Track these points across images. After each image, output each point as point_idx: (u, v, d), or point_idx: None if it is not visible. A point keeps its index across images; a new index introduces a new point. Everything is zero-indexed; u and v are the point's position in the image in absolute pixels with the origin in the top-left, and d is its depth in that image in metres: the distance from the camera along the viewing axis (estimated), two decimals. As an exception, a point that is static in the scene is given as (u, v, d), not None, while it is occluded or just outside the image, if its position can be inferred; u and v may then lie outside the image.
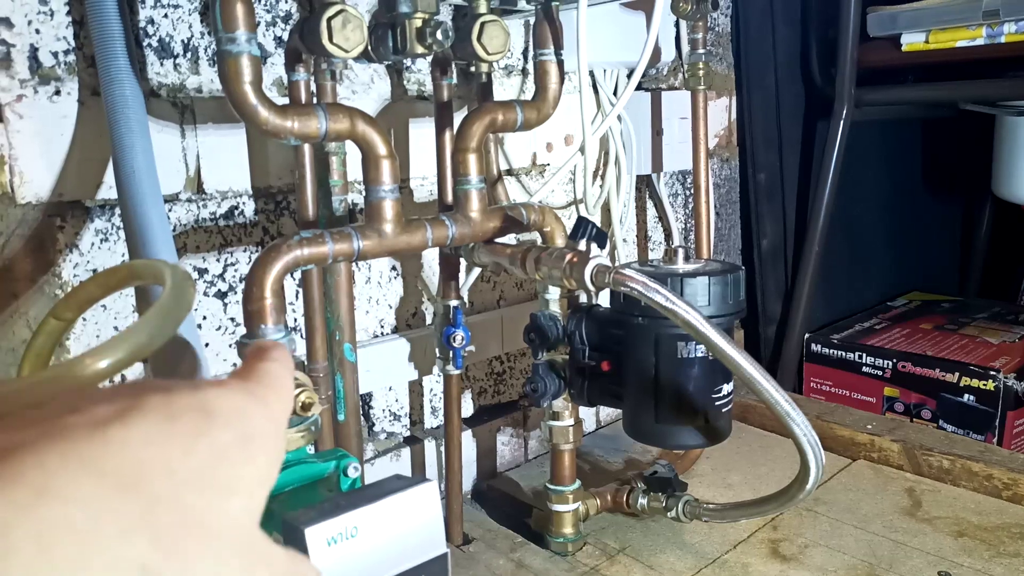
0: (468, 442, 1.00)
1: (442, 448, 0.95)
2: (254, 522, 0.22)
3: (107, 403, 0.20)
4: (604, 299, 0.75)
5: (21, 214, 0.65)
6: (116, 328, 0.71)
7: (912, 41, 1.20)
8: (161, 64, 0.71)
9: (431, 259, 0.94)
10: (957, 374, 1.26)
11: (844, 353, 1.39)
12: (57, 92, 0.66)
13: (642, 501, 0.85)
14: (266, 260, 0.59)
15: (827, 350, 1.41)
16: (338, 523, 0.47)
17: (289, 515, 0.46)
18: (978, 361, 1.27)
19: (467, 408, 1.02)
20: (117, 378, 0.63)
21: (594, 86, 1.06)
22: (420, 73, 0.90)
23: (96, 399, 0.20)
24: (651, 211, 1.22)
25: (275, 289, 0.58)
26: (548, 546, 0.85)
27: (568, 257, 0.65)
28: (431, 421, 0.98)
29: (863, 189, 1.55)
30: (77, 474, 0.18)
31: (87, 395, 0.21)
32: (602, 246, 0.65)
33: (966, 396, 1.26)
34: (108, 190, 0.69)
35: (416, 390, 0.96)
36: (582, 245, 0.65)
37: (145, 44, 0.70)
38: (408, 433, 0.96)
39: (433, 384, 0.98)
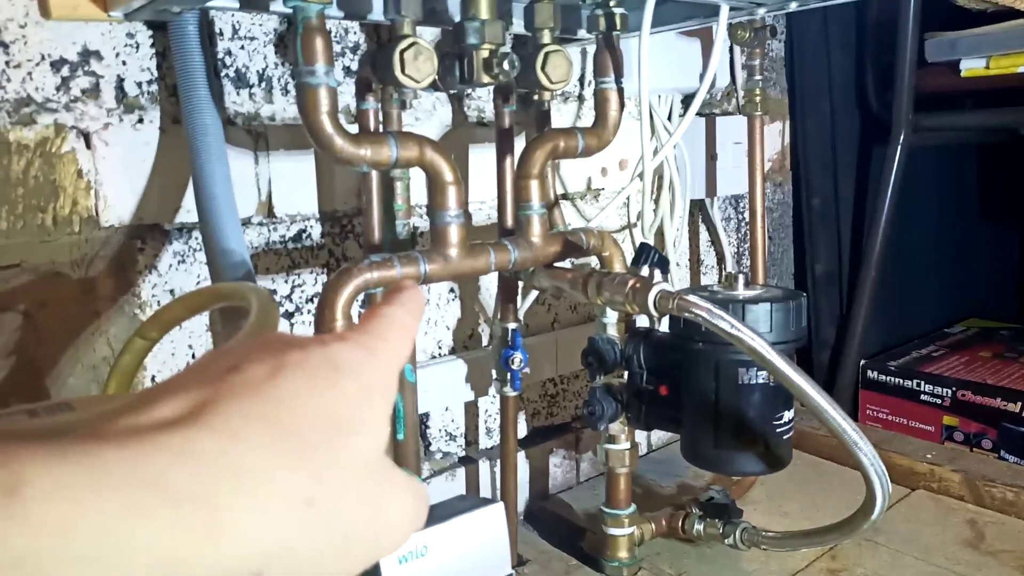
0: (521, 463, 1.00)
1: (496, 469, 0.95)
2: (380, 453, 0.27)
3: (258, 363, 0.25)
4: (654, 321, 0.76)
5: (105, 236, 0.68)
6: (190, 347, 0.74)
7: (972, 67, 1.19)
8: (237, 93, 0.74)
9: (487, 281, 0.96)
10: (1020, 403, 1.23)
11: (902, 380, 1.36)
12: (140, 120, 0.69)
13: (698, 527, 0.84)
14: (337, 283, 0.61)
15: (884, 377, 1.39)
16: (409, 542, 0.48)
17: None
18: (1040, 390, 1.24)
19: (521, 429, 1.03)
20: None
21: (649, 112, 1.06)
22: (480, 100, 0.92)
23: (249, 357, 0.25)
24: (703, 235, 1.23)
25: (346, 312, 0.60)
26: (603, 570, 0.84)
27: (631, 283, 0.66)
28: (485, 442, 0.99)
29: (919, 214, 1.52)
30: (254, 426, 0.23)
31: (239, 352, 0.25)
32: (665, 272, 0.66)
33: (1029, 426, 1.23)
34: (186, 214, 0.72)
35: (471, 411, 0.98)
36: (644, 271, 0.65)
37: (223, 74, 0.74)
38: (463, 453, 0.97)
39: (488, 405, 0.99)
